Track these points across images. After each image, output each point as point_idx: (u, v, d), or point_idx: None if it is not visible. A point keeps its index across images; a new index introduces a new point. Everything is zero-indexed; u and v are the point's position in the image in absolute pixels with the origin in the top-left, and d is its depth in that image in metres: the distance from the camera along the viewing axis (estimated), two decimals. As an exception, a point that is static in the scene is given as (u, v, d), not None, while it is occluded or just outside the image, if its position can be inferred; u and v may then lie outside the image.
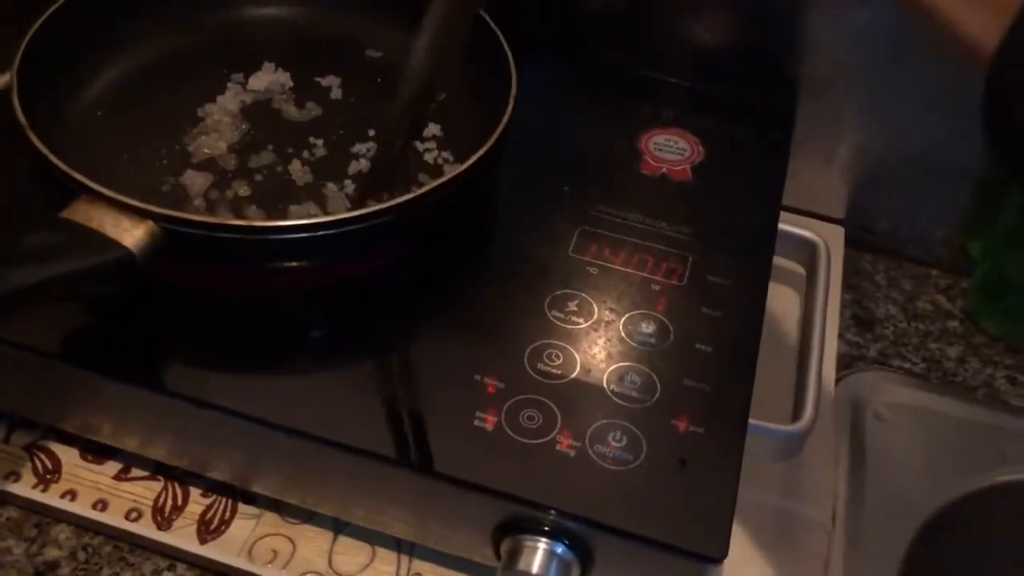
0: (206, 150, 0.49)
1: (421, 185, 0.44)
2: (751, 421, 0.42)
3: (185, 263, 0.41)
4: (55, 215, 0.39)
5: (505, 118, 0.46)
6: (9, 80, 0.45)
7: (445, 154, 0.51)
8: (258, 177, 0.48)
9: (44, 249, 0.37)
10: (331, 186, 0.48)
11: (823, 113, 0.60)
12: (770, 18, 0.60)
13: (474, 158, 0.44)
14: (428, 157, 0.51)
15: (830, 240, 0.57)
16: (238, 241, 0.40)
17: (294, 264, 0.43)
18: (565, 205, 0.51)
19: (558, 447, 0.39)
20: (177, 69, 0.54)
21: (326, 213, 0.47)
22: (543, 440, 0.40)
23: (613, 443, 0.40)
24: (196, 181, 0.47)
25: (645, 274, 0.47)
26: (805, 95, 0.59)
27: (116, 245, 0.38)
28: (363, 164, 0.50)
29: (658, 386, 0.42)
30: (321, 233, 0.41)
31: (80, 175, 0.39)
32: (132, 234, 0.38)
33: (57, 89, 0.49)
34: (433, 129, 0.52)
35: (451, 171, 0.44)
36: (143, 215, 0.39)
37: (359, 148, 0.50)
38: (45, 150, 0.41)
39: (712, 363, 0.43)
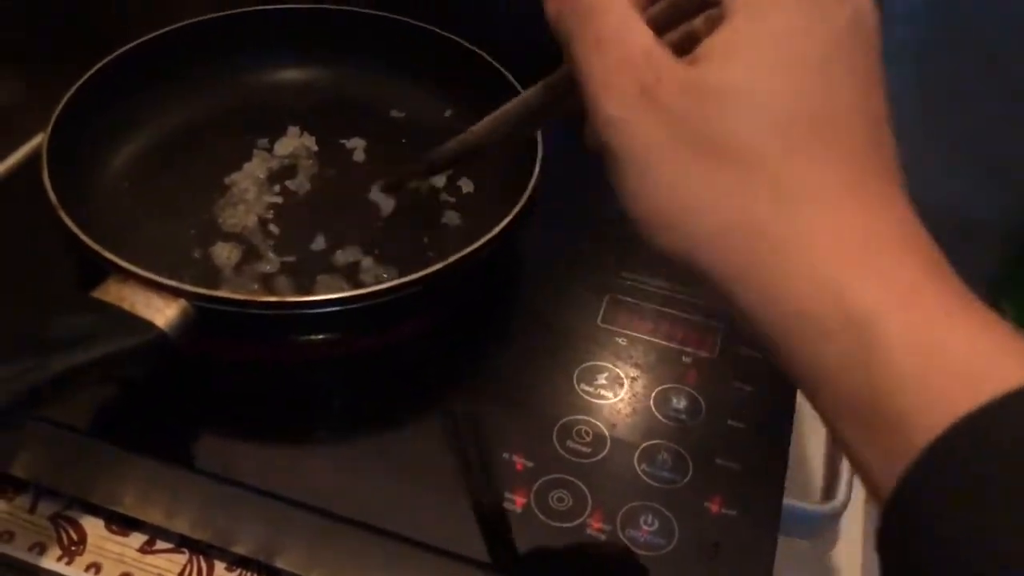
0: (233, 221, 0.49)
1: (440, 248, 0.44)
2: (784, 501, 0.41)
3: (214, 338, 0.41)
4: (86, 295, 0.39)
5: (532, 181, 0.46)
6: (37, 146, 0.46)
7: (454, 214, 0.51)
8: (287, 247, 0.48)
9: (78, 333, 0.36)
10: (356, 252, 0.48)
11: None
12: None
13: (504, 222, 0.44)
14: (446, 218, 0.51)
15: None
16: (270, 317, 0.40)
17: (323, 336, 0.43)
18: (592, 271, 0.50)
19: (589, 530, 0.39)
20: (202, 137, 0.54)
21: (356, 284, 0.46)
22: (574, 523, 0.39)
23: (645, 527, 0.39)
24: (225, 252, 0.47)
25: (675, 345, 0.47)
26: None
27: (150, 326, 0.38)
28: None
29: (690, 465, 0.41)
30: (354, 306, 0.40)
31: (111, 253, 0.39)
32: (164, 314, 0.38)
33: (83, 160, 0.49)
34: (465, 185, 0.53)
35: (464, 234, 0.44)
36: (176, 294, 0.39)
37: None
38: (76, 230, 0.41)
39: (745, 440, 0.42)
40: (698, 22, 0.29)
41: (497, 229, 0.43)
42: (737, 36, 0.25)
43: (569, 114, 0.33)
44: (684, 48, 0.27)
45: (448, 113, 0.56)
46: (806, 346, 0.24)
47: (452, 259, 0.42)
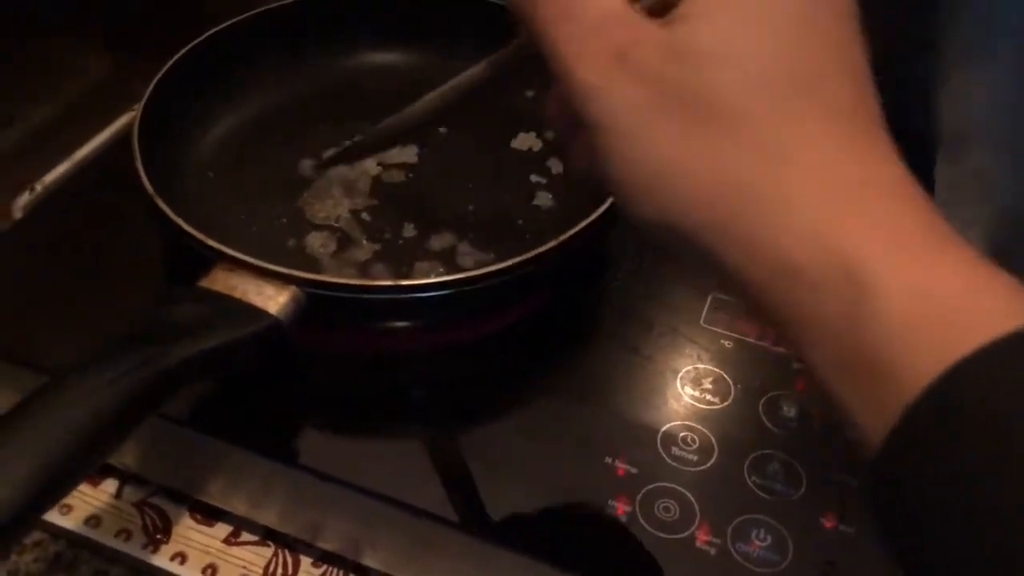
0: (323, 213, 0.48)
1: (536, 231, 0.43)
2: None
3: (315, 327, 0.40)
4: (195, 285, 0.38)
5: None
6: (120, 129, 0.45)
7: (546, 195, 0.50)
8: (380, 235, 0.47)
9: (194, 322, 0.35)
10: (450, 237, 0.47)
11: (964, 177, 0.56)
12: (906, 73, 0.57)
13: (611, 199, 0.42)
14: (539, 200, 0.50)
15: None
16: (382, 302, 0.39)
17: (422, 324, 0.42)
18: (692, 268, 0.48)
19: (697, 543, 0.37)
20: (287, 123, 0.53)
21: (454, 268, 0.45)
22: (682, 535, 0.37)
23: (757, 542, 0.37)
24: (319, 241, 0.46)
25: (783, 350, 0.44)
26: (944, 156, 0.56)
27: (263, 314, 0.37)
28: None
29: (803, 478, 0.39)
30: (466, 288, 0.39)
31: (217, 243, 0.38)
32: (277, 301, 0.37)
33: (171, 146, 0.48)
34: (554, 166, 0.51)
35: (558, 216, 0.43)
36: (287, 281, 0.38)
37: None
38: (178, 219, 0.40)
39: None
40: None
41: (607, 203, 0.42)
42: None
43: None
44: (655, 15, 0.26)
45: (530, 94, 0.55)
46: (797, 300, 0.23)
47: (565, 236, 0.40)
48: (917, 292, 0.21)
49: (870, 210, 0.23)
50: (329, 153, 0.50)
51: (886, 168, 0.24)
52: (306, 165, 0.50)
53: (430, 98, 0.39)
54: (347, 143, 0.50)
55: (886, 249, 0.22)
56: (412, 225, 0.48)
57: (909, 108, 0.57)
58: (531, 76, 0.53)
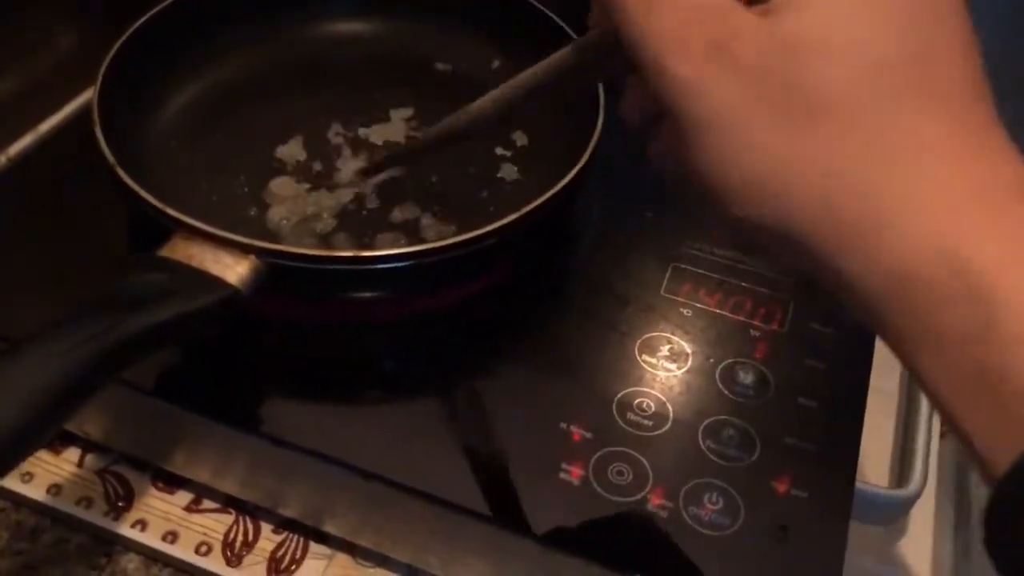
0: (286, 185, 0.48)
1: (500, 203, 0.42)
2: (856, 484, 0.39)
3: (275, 297, 0.40)
4: (154, 254, 0.38)
5: (595, 135, 0.44)
6: (86, 102, 0.45)
7: (511, 168, 0.50)
8: (343, 206, 0.47)
9: (152, 291, 0.35)
10: (414, 209, 0.47)
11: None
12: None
13: (575, 170, 0.42)
14: (503, 172, 0.50)
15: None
16: (340, 272, 0.39)
17: (384, 295, 0.42)
18: (655, 239, 0.48)
19: (649, 507, 0.37)
20: (250, 92, 0.53)
21: (417, 240, 0.45)
22: (633, 498, 0.37)
23: (709, 505, 0.37)
24: (281, 211, 0.46)
25: (742, 318, 0.44)
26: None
27: (222, 283, 0.37)
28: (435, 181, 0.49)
29: (757, 443, 0.39)
30: (423, 260, 0.39)
31: (176, 211, 0.38)
32: (236, 271, 0.37)
33: (132, 116, 0.48)
34: (519, 138, 0.51)
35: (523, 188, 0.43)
36: (245, 250, 0.38)
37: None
38: (137, 188, 0.40)
39: (816, 419, 0.40)
40: None
41: (570, 176, 0.42)
42: None
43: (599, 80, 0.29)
44: (752, 2, 0.24)
45: (496, 64, 0.55)
46: (916, 312, 0.22)
47: (527, 209, 0.40)
48: None
49: (995, 216, 0.21)
50: (368, 165, 0.49)
51: (1009, 167, 0.22)
52: (348, 170, 0.49)
53: (491, 97, 0.35)
54: (403, 145, 0.49)
55: (1016, 261, 0.21)
56: (375, 196, 0.48)
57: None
58: (496, 48, 0.54)
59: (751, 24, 0.23)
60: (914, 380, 0.23)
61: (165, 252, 0.38)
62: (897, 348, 0.23)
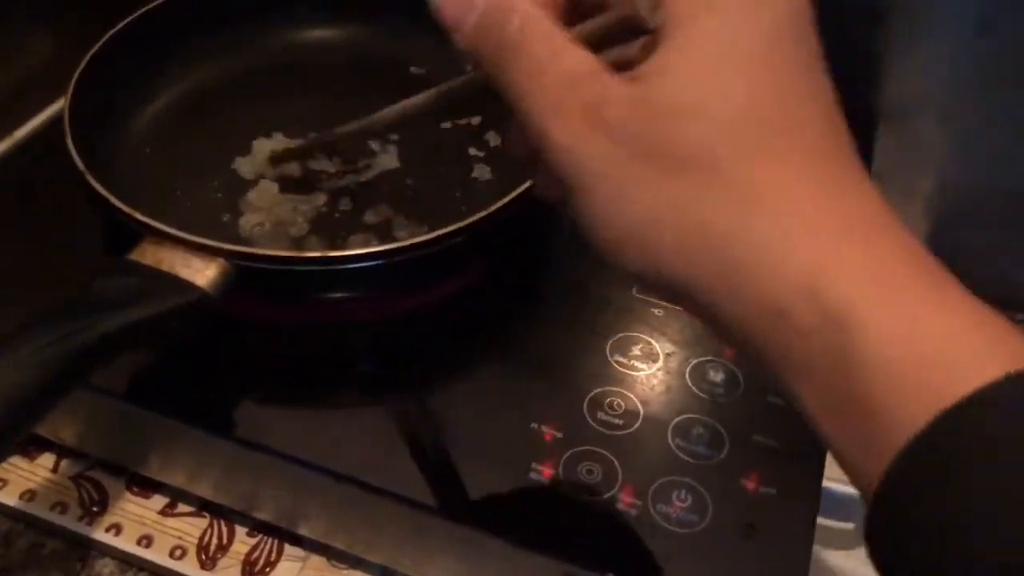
0: (258, 189, 0.48)
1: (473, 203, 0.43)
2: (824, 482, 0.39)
3: (247, 299, 0.40)
4: (123, 258, 0.38)
5: None
6: (60, 109, 0.45)
7: (484, 168, 0.50)
8: (315, 209, 0.47)
9: (121, 295, 0.36)
10: (386, 210, 0.47)
11: (904, 146, 0.57)
12: (850, 44, 0.57)
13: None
14: (476, 172, 0.50)
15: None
16: (309, 274, 0.39)
17: (357, 295, 0.42)
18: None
19: (619, 505, 0.37)
20: (224, 98, 0.53)
21: (390, 241, 0.45)
22: (603, 497, 0.38)
23: (677, 503, 0.37)
24: (254, 216, 0.46)
25: (713, 318, 0.45)
26: (886, 126, 0.57)
27: (191, 287, 0.37)
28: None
29: (726, 441, 0.40)
30: (393, 260, 0.40)
31: (143, 216, 0.38)
32: (204, 274, 0.37)
33: (105, 123, 0.48)
34: (492, 139, 0.51)
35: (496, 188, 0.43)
36: (214, 253, 0.38)
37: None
38: (106, 193, 0.40)
39: (785, 417, 0.41)
40: (633, 50, 0.27)
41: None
42: (676, 52, 0.24)
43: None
44: (622, 69, 0.25)
45: (469, 68, 0.55)
46: (784, 343, 0.23)
47: (494, 207, 0.41)
48: (903, 336, 0.21)
49: (852, 250, 0.23)
50: (279, 151, 0.49)
51: (865, 205, 0.24)
52: (245, 162, 0.49)
53: (379, 117, 0.40)
54: (299, 142, 0.49)
55: (870, 291, 0.22)
56: (348, 199, 0.48)
57: (852, 79, 0.58)
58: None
59: (621, 90, 0.24)
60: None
61: (134, 256, 0.38)
62: (774, 382, 0.24)
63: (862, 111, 0.56)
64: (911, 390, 0.21)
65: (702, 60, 0.24)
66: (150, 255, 0.38)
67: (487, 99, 0.27)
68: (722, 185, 0.24)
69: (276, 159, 0.49)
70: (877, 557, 0.22)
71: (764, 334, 0.23)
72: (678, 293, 0.25)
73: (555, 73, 0.25)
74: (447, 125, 0.52)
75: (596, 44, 0.26)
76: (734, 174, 0.24)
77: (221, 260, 0.38)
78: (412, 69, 0.55)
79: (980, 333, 0.22)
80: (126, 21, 0.50)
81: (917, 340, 0.21)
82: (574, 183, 0.25)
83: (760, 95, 0.24)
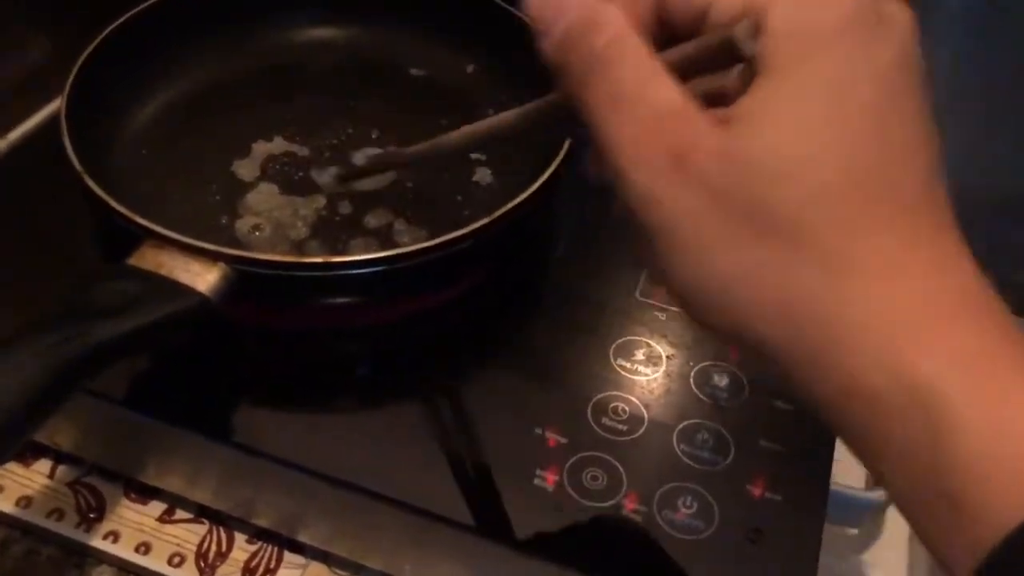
0: (258, 192, 0.47)
1: (475, 207, 0.43)
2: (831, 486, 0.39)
3: (246, 305, 0.40)
4: (122, 263, 0.37)
5: (568, 140, 0.44)
6: (56, 110, 0.45)
7: (485, 171, 0.50)
8: (316, 212, 0.47)
9: (120, 300, 0.35)
10: (387, 214, 0.47)
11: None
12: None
13: (548, 172, 0.42)
14: (478, 176, 0.49)
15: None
16: (310, 279, 0.39)
17: (357, 301, 0.41)
18: (629, 242, 0.48)
19: (624, 511, 0.37)
20: (222, 99, 0.52)
21: (391, 246, 0.45)
22: (608, 503, 0.37)
23: (683, 509, 0.37)
24: (253, 219, 0.46)
25: (717, 321, 0.44)
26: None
27: (191, 291, 0.36)
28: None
29: (732, 446, 0.39)
30: (395, 266, 0.39)
31: (144, 220, 0.38)
32: (205, 279, 0.37)
33: (102, 124, 0.47)
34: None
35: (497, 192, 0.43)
36: (215, 258, 0.37)
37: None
38: (106, 197, 0.39)
39: (790, 422, 0.40)
40: (730, 78, 0.24)
41: (543, 179, 0.42)
42: (776, 94, 0.23)
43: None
44: (712, 102, 0.24)
45: (470, 69, 0.54)
46: (869, 424, 0.22)
47: (499, 212, 0.40)
48: (997, 426, 0.21)
49: (942, 331, 0.22)
50: (343, 171, 0.49)
51: (955, 276, 0.23)
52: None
53: (454, 137, 0.37)
54: (366, 163, 0.49)
55: (962, 376, 0.21)
56: (348, 202, 0.47)
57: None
58: (471, 53, 0.54)
59: (710, 137, 0.23)
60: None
61: (134, 261, 0.38)
62: (858, 455, 0.23)
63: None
64: (1005, 485, 0.20)
65: (803, 113, 0.23)
66: (149, 259, 0.38)
67: (574, 124, 0.25)
68: (810, 250, 0.22)
69: (341, 179, 0.48)
70: None
71: (846, 411, 0.22)
72: (758, 353, 0.24)
73: (642, 107, 0.23)
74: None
75: (687, 71, 0.24)
76: (822, 240, 0.22)
77: (221, 265, 0.38)
78: (412, 71, 0.55)
79: None
80: (122, 20, 0.49)
81: (1011, 429, 0.20)
82: (653, 229, 0.24)
83: (864, 156, 0.22)
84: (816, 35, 0.23)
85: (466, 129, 0.35)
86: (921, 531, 0.22)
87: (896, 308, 0.22)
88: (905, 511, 0.22)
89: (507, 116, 0.32)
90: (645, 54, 0.24)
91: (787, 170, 0.22)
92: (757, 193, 0.22)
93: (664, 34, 0.26)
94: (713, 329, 0.24)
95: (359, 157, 0.50)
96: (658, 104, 0.23)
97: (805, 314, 0.23)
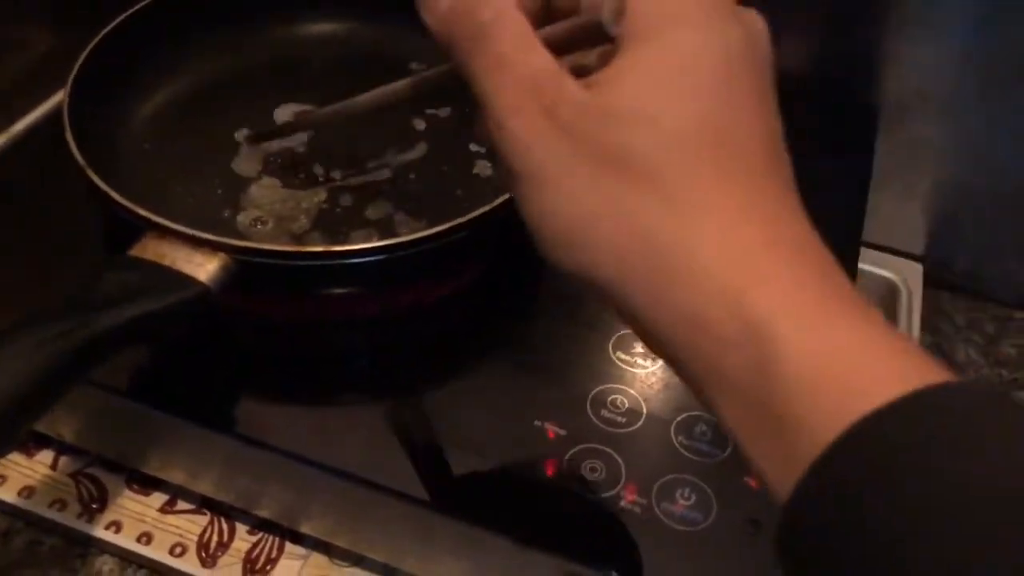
0: (259, 184, 0.48)
1: (474, 199, 0.43)
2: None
3: (248, 295, 0.40)
4: (124, 254, 0.38)
5: None
6: (58, 103, 0.45)
7: (485, 164, 0.50)
8: (317, 204, 0.47)
9: (122, 290, 0.35)
10: (387, 207, 0.47)
11: (905, 144, 0.57)
12: (850, 43, 0.57)
13: None
14: (478, 169, 0.50)
15: (908, 278, 0.55)
16: (311, 269, 0.39)
17: (358, 291, 0.42)
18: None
19: (623, 503, 0.37)
20: (224, 93, 0.52)
21: (391, 237, 0.45)
22: (607, 494, 0.37)
23: (681, 501, 0.37)
24: (255, 211, 0.46)
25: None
26: (886, 125, 0.57)
27: (193, 282, 0.37)
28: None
29: (729, 439, 0.39)
30: (396, 254, 0.39)
31: (146, 211, 0.38)
32: (206, 269, 0.37)
33: (105, 117, 0.48)
34: None
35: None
36: (216, 248, 0.38)
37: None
38: (107, 188, 0.39)
39: (788, 415, 0.41)
40: (591, 58, 0.28)
41: None
42: (634, 59, 0.25)
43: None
44: (578, 76, 0.26)
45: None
46: (704, 355, 0.24)
47: (498, 201, 0.40)
48: (819, 354, 0.22)
49: (774, 270, 0.24)
50: (263, 130, 0.50)
51: (792, 228, 0.25)
52: (239, 135, 0.50)
53: (354, 102, 0.40)
54: (280, 124, 0.50)
55: (788, 311, 0.23)
56: (349, 195, 0.48)
57: (852, 77, 0.58)
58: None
59: (576, 93, 0.25)
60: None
61: (136, 252, 0.38)
62: (692, 387, 0.25)
63: (862, 111, 0.57)
64: (824, 407, 0.22)
65: (659, 71, 0.25)
66: (151, 250, 0.38)
67: (461, 89, 0.28)
68: (657, 192, 0.24)
69: (252, 138, 0.49)
70: (788, 564, 0.23)
71: (687, 344, 0.24)
72: (607, 294, 0.25)
73: (520, 68, 0.26)
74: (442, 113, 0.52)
75: (558, 48, 0.27)
76: (669, 182, 0.24)
77: (223, 255, 0.38)
78: (413, 65, 0.55)
79: (889, 355, 0.22)
80: (126, 15, 0.49)
81: (830, 356, 0.22)
82: (524, 173, 0.26)
83: (712, 112, 0.25)
84: (674, 15, 0.25)
85: (372, 93, 0.39)
86: (752, 460, 0.23)
87: (737, 249, 0.24)
88: (738, 441, 0.24)
89: (403, 84, 0.36)
90: (525, 28, 0.26)
91: (643, 118, 0.25)
92: (614, 138, 0.25)
93: (547, 15, 0.29)
94: (571, 270, 0.26)
95: (280, 114, 0.51)
96: (534, 67, 0.26)
97: (648, 251, 0.24)
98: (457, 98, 0.52)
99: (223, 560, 0.42)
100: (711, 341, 0.23)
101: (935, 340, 0.56)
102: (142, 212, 0.39)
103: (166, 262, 0.38)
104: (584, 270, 0.25)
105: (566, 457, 0.38)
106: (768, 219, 0.25)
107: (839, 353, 0.22)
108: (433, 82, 0.34)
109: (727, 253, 0.24)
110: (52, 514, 0.43)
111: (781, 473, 0.22)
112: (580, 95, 0.25)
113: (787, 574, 0.23)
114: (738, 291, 0.23)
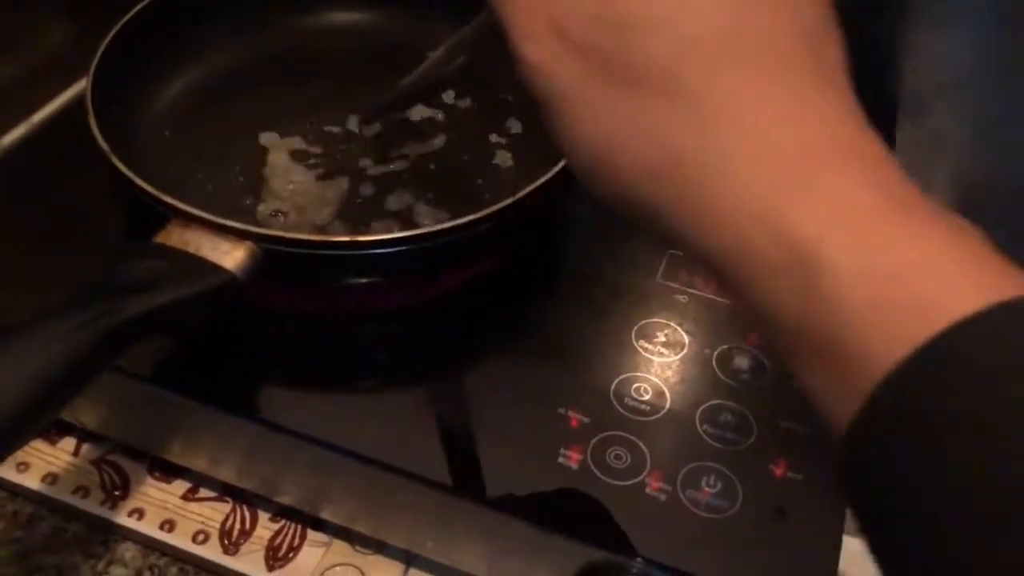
0: (281, 173, 0.48)
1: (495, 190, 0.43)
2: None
3: (270, 285, 0.40)
4: (150, 240, 0.38)
5: None
6: (80, 91, 0.45)
7: (505, 155, 0.50)
8: (338, 194, 0.47)
9: (148, 277, 0.35)
10: (407, 197, 0.47)
11: (924, 137, 0.57)
12: (867, 36, 0.57)
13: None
14: (498, 159, 0.50)
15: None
16: (336, 258, 0.39)
17: (380, 281, 0.42)
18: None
19: (647, 490, 0.37)
20: (245, 81, 0.53)
21: (412, 227, 0.45)
22: (632, 482, 0.37)
23: (707, 488, 0.37)
24: (277, 199, 0.46)
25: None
26: (905, 118, 0.57)
27: (219, 269, 0.37)
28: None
29: (754, 427, 0.39)
30: (420, 245, 0.39)
31: (171, 198, 0.38)
32: (233, 256, 0.37)
33: (126, 104, 0.48)
34: (514, 126, 0.51)
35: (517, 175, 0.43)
36: (242, 236, 0.38)
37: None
38: (132, 175, 0.40)
39: (811, 404, 0.41)
40: None
41: (564, 161, 0.42)
42: None
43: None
44: None
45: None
46: (752, 281, 0.22)
47: (522, 193, 0.40)
48: (877, 272, 0.20)
49: (819, 180, 0.21)
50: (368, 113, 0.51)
51: (842, 127, 0.22)
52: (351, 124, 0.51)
53: (405, 84, 0.41)
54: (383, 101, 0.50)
55: (834, 224, 0.21)
56: (370, 185, 0.48)
57: (871, 69, 0.57)
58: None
59: (586, 5, 0.24)
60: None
61: (161, 239, 0.38)
62: (743, 311, 0.23)
63: (880, 103, 0.56)
64: (884, 330, 0.20)
65: None
66: (177, 237, 0.38)
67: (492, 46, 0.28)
68: (681, 103, 0.22)
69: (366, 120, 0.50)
70: (850, 494, 0.21)
71: (729, 267, 0.22)
72: (645, 218, 0.24)
73: None
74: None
75: None
76: (695, 89, 0.22)
77: (249, 243, 0.38)
78: (429, 53, 0.55)
79: (959, 264, 0.20)
80: (146, 3, 0.49)
81: (890, 275, 0.20)
82: (547, 99, 0.25)
83: (726, 14, 0.23)
84: None
85: (408, 79, 0.43)
86: (808, 390, 0.22)
87: (771, 159, 0.22)
88: (793, 369, 0.22)
89: (438, 54, 0.40)
90: None
91: (657, 22, 0.23)
92: (628, 51, 0.23)
93: None
94: (609, 201, 0.25)
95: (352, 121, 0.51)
96: None
97: (680, 169, 0.22)
98: (476, 89, 0.53)
99: (245, 547, 0.42)
100: (755, 267, 0.21)
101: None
102: (168, 199, 0.39)
103: (191, 249, 0.38)
104: (618, 194, 0.24)
105: (590, 444, 0.38)
106: (805, 119, 0.22)
107: (898, 270, 0.20)
108: (465, 43, 0.37)
109: (758, 164, 0.22)
110: (76, 501, 0.43)
111: (837, 404, 0.21)
112: (589, 6, 0.24)
113: (850, 499, 0.21)
114: (776, 209, 0.21)
